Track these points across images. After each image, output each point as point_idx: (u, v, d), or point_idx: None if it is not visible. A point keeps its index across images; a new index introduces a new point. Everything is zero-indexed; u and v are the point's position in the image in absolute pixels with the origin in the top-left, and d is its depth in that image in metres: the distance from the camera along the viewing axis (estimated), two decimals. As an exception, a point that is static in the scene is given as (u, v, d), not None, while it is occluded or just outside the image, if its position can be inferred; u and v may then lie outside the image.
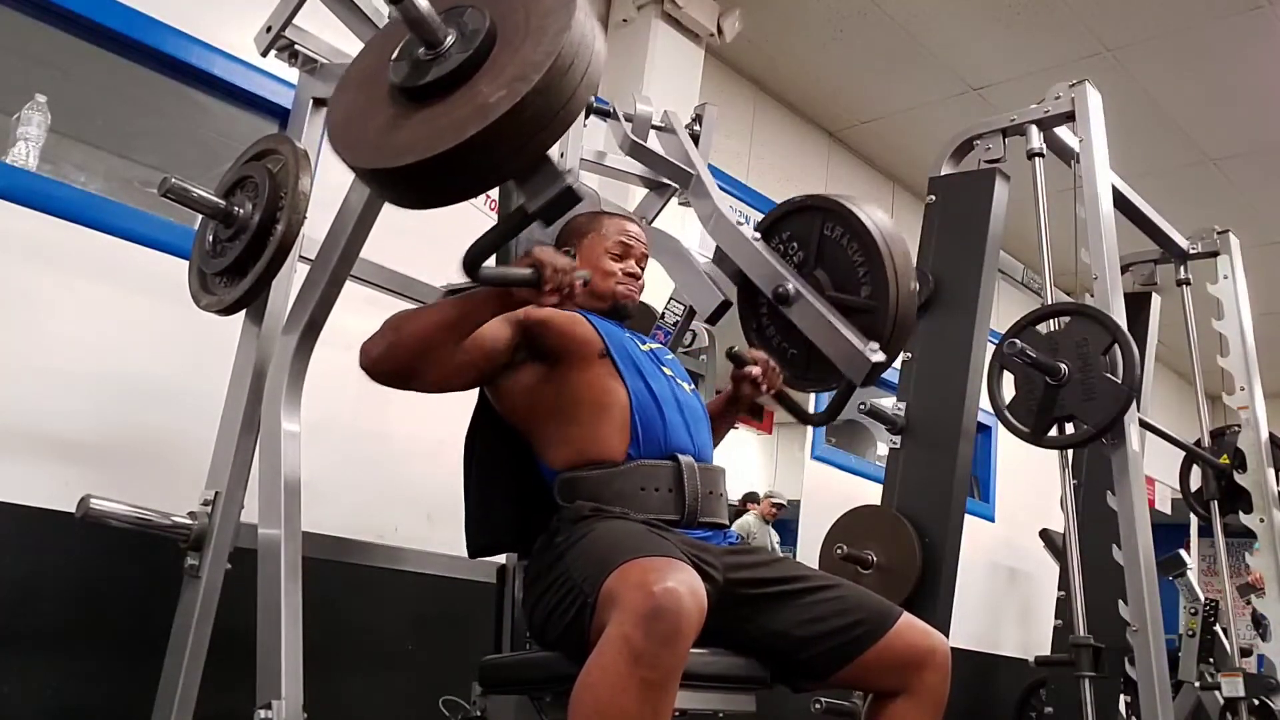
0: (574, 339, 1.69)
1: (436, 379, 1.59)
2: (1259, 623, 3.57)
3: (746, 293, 2.00)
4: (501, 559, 1.90)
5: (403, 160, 1.23)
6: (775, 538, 5.06)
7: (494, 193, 2.26)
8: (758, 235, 1.97)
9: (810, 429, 4.43)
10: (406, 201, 1.35)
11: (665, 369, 1.77)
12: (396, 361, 1.54)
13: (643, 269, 1.90)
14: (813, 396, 3.63)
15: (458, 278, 1.44)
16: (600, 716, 1.23)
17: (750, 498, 5.16)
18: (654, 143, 2.40)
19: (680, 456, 1.65)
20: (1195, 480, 3.33)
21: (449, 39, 1.27)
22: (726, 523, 1.70)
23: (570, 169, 1.32)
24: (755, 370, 1.84)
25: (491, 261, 1.44)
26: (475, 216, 3.07)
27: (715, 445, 1.85)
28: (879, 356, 1.71)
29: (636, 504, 1.58)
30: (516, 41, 1.24)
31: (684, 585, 1.27)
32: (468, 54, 1.24)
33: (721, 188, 4.17)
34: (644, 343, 1.81)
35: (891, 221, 1.90)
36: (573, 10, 1.22)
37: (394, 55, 1.33)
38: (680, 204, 2.63)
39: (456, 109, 1.22)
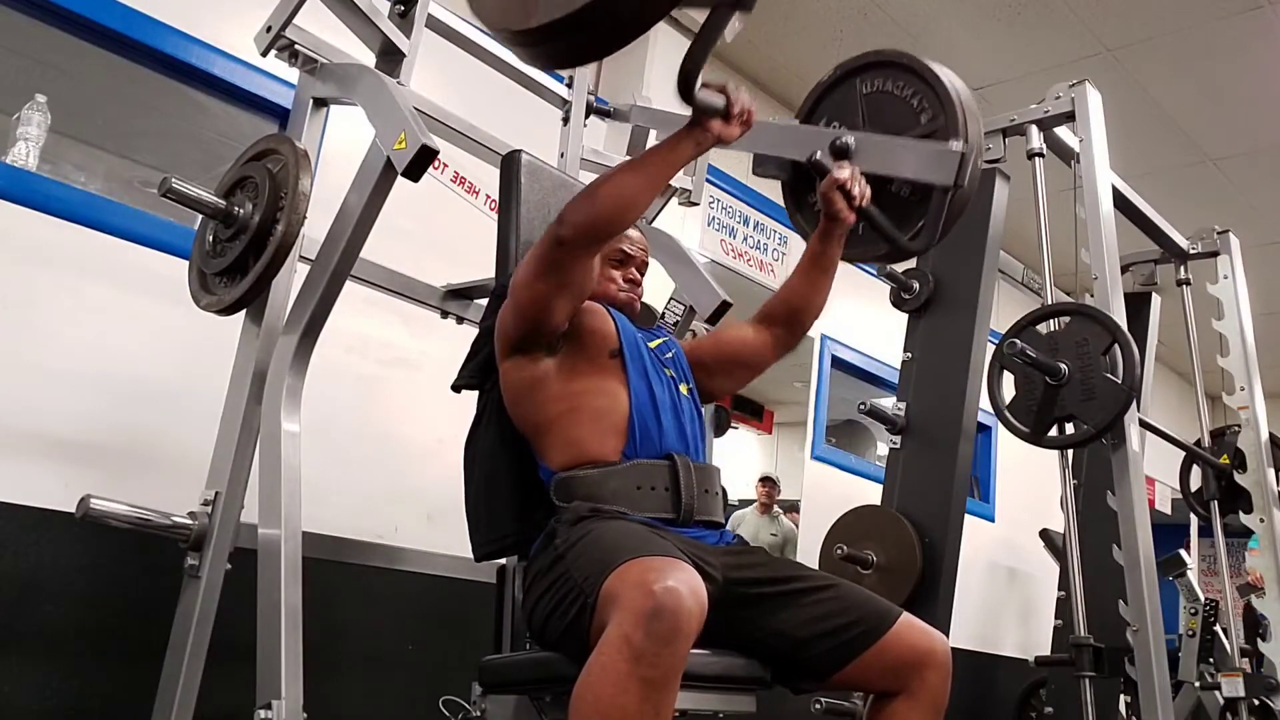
0: (597, 332, 1.71)
1: (583, 271, 1.63)
2: (1257, 624, 3.57)
3: (795, 185, 1.93)
4: (502, 559, 1.90)
5: (573, 6, 1.19)
6: (787, 530, 5.02)
7: (495, 193, 2.25)
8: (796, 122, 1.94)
9: (810, 429, 4.44)
10: (578, 53, 1.34)
11: (667, 369, 1.77)
12: (601, 215, 1.57)
13: (643, 275, 1.90)
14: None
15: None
16: (601, 716, 1.23)
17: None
18: (654, 142, 2.40)
19: (676, 455, 1.65)
20: (1195, 480, 3.33)
21: None
22: (723, 521, 1.70)
23: None
24: (843, 174, 1.68)
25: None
26: (475, 216, 3.07)
27: (820, 300, 1.86)
28: (960, 147, 1.62)
29: (633, 503, 1.58)
30: None
31: (684, 585, 1.27)
32: None
33: (722, 188, 4.20)
34: (650, 340, 1.81)
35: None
36: None
37: None
38: (681, 204, 2.63)
39: None
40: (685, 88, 1.44)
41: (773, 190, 4.56)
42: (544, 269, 1.60)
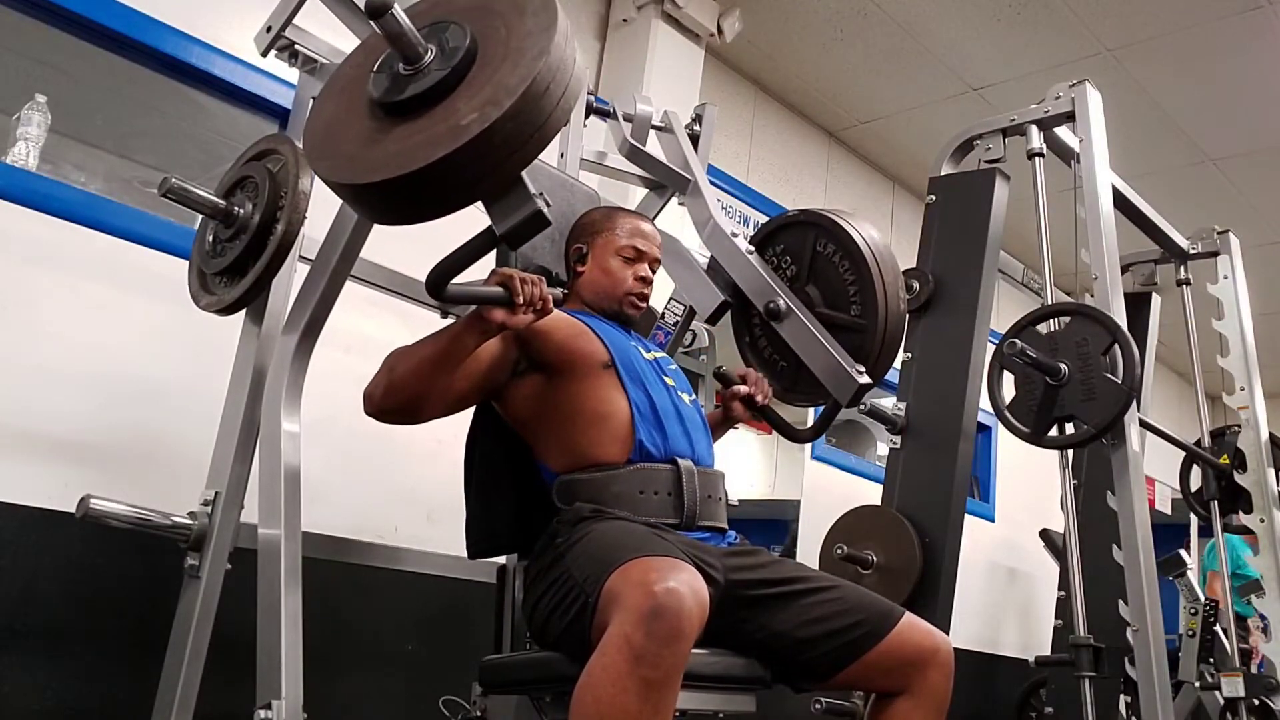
0: (576, 352, 1.68)
1: (442, 410, 1.61)
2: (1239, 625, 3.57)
3: (740, 303, 2.02)
4: (502, 559, 1.90)
5: (375, 176, 1.23)
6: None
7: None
8: (751, 248, 1.99)
9: (810, 429, 4.43)
10: (380, 217, 1.36)
11: (667, 379, 1.76)
12: (398, 401, 1.56)
13: (654, 273, 1.88)
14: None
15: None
16: (601, 716, 1.23)
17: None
18: (653, 144, 2.40)
19: (680, 460, 1.65)
20: (1195, 480, 3.33)
21: (429, 55, 1.27)
22: (726, 526, 1.70)
23: (540, 193, 1.31)
24: (744, 389, 1.91)
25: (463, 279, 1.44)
26: (475, 216, 3.07)
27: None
28: (864, 380, 1.76)
29: (636, 507, 1.58)
30: (495, 62, 1.23)
31: (685, 585, 1.27)
32: (445, 72, 1.24)
33: (721, 188, 4.19)
34: (648, 350, 1.81)
35: (884, 239, 1.93)
36: (552, 35, 1.22)
37: (375, 67, 1.32)
38: (681, 204, 2.63)
39: (431, 127, 1.22)
40: (434, 290, 1.41)
41: (773, 191, 4.57)
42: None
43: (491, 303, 1.49)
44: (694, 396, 1.81)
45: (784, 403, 2.07)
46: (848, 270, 1.88)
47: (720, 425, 1.97)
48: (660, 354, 1.84)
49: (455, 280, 1.42)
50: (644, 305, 1.87)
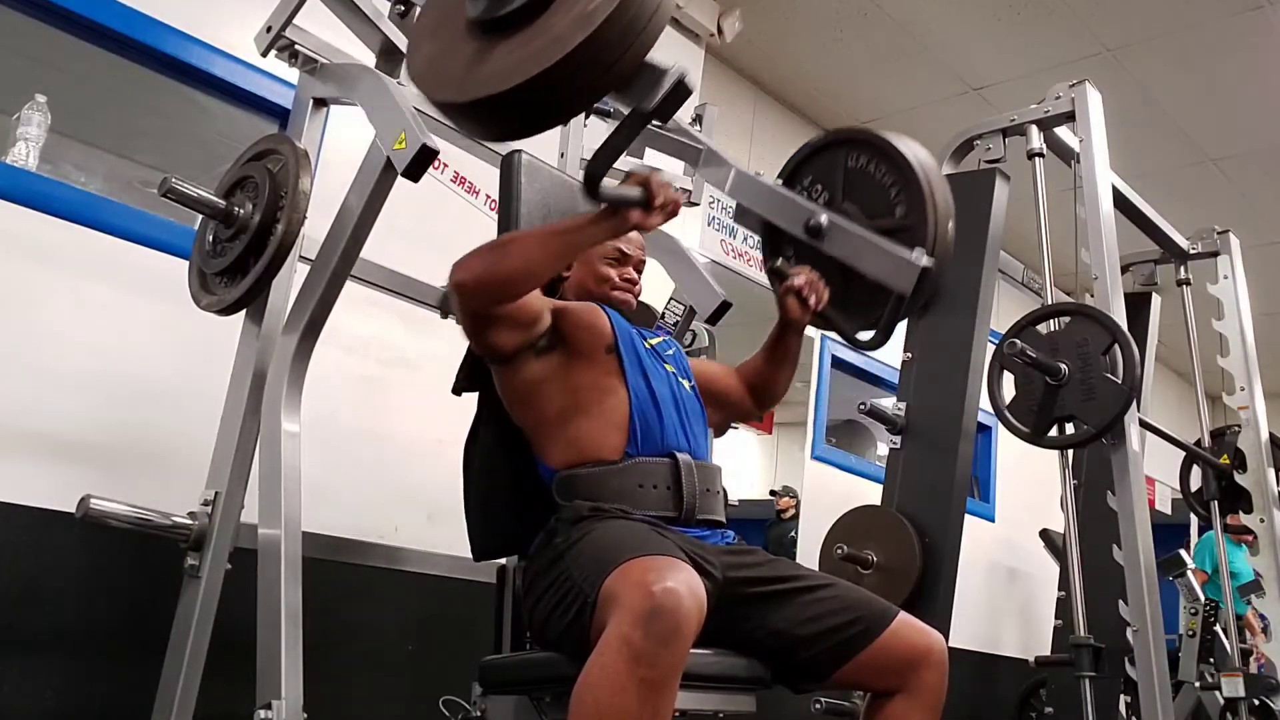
0: (589, 329, 1.70)
1: (509, 312, 1.59)
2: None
3: (772, 245, 1.96)
4: (502, 559, 1.90)
5: (510, 82, 1.22)
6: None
7: (494, 193, 2.25)
8: (779, 182, 1.93)
9: (810, 429, 4.43)
10: (509, 129, 1.34)
11: (667, 365, 1.77)
12: (497, 275, 1.54)
13: (640, 274, 1.89)
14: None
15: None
16: (600, 716, 1.23)
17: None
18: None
19: (678, 454, 1.65)
20: (1195, 480, 3.33)
21: None
22: (724, 520, 1.70)
23: (675, 64, 1.33)
24: (799, 280, 1.74)
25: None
26: (475, 216, 3.07)
27: (782, 383, 1.88)
28: (925, 260, 1.62)
29: (634, 501, 1.58)
30: None
31: (684, 584, 1.27)
32: None
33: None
34: (648, 338, 1.81)
35: (916, 142, 1.83)
36: None
37: None
38: (682, 204, 2.63)
39: (553, 25, 1.21)
40: (591, 185, 1.43)
41: (773, 190, 4.52)
42: (460, 314, 1.59)
43: (635, 205, 1.51)
44: (693, 383, 1.81)
45: (845, 335, 1.87)
46: (885, 174, 1.77)
47: (778, 340, 1.86)
48: (660, 339, 1.84)
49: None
50: (631, 305, 1.87)
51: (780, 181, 1.88)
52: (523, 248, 1.56)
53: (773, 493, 5.43)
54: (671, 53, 4.11)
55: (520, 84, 1.21)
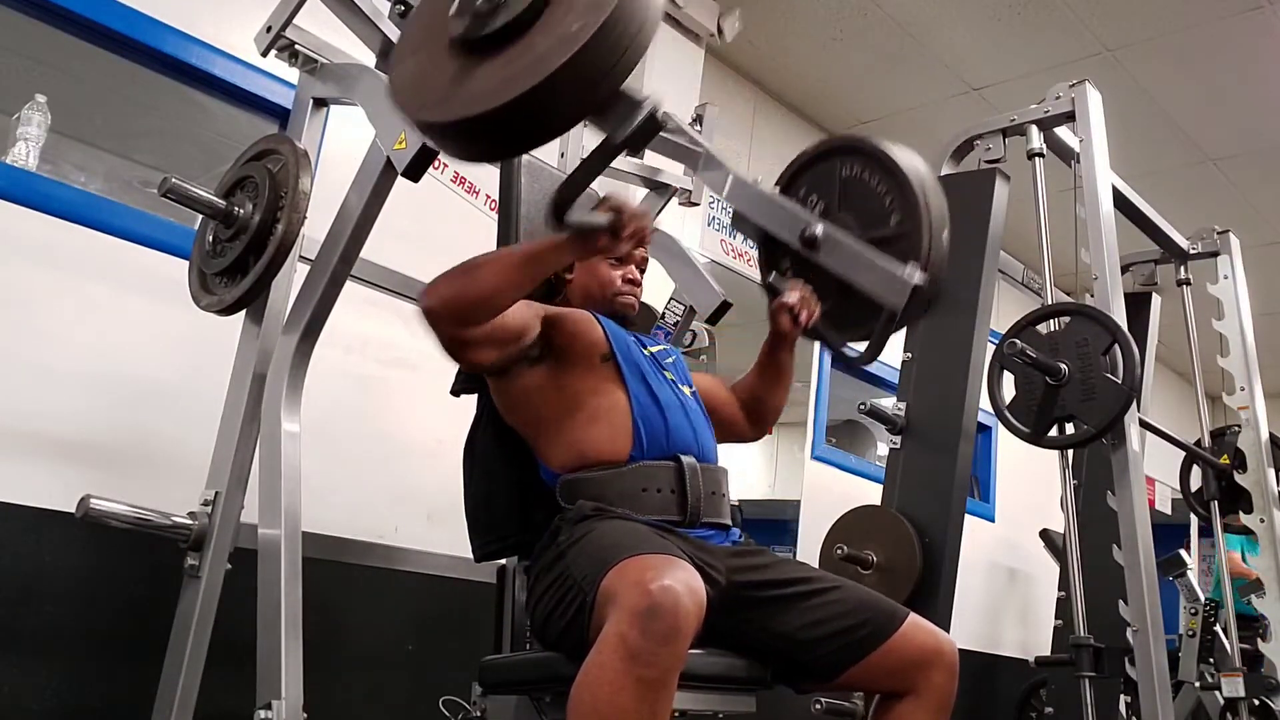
0: (582, 339, 1.69)
1: (486, 327, 1.57)
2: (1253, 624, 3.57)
3: (768, 253, 1.96)
4: (502, 559, 1.90)
5: (487, 105, 1.21)
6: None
7: (495, 193, 2.26)
8: (776, 190, 1.93)
9: (810, 429, 4.43)
10: (487, 151, 1.34)
11: (667, 373, 1.76)
12: (465, 300, 1.53)
13: (642, 272, 1.89)
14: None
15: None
16: (597, 716, 1.23)
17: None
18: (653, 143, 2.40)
19: (683, 457, 1.65)
20: (1195, 480, 3.33)
21: None
22: (729, 523, 1.70)
23: (650, 95, 1.32)
24: (792, 297, 1.75)
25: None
26: (475, 216, 3.07)
27: (776, 400, 1.89)
28: (918, 277, 1.62)
29: (638, 504, 1.58)
30: None
31: (681, 583, 1.27)
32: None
33: (722, 188, 4.17)
34: (647, 345, 1.81)
35: (911, 150, 1.84)
36: None
37: (451, 11, 1.31)
38: (681, 204, 2.63)
39: (534, 46, 1.21)
40: (557, 213, 1.41)
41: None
42: (433, 333, 1.58)
43: (602, 232, 1.51)
44: (694, 389, 1.81)
45: (835, 349, 1.89)
46: (879, 183, 1.77)
47: (770, 355, 1.87)
48: (660, 347, 1.84)
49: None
50: (634, 306, 1.86)
51: (777, 189, 1.88)
52: (490, 272, 1.54)
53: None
54: (671, 53, 4.11)
55: (502, 105, 1.20)
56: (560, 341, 1.68)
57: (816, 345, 4.46)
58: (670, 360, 1.82)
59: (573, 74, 1.18)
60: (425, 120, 1.30)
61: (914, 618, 1.55)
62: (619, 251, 1.55)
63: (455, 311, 1.54)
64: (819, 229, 1.71)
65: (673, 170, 2.51)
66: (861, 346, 1.78)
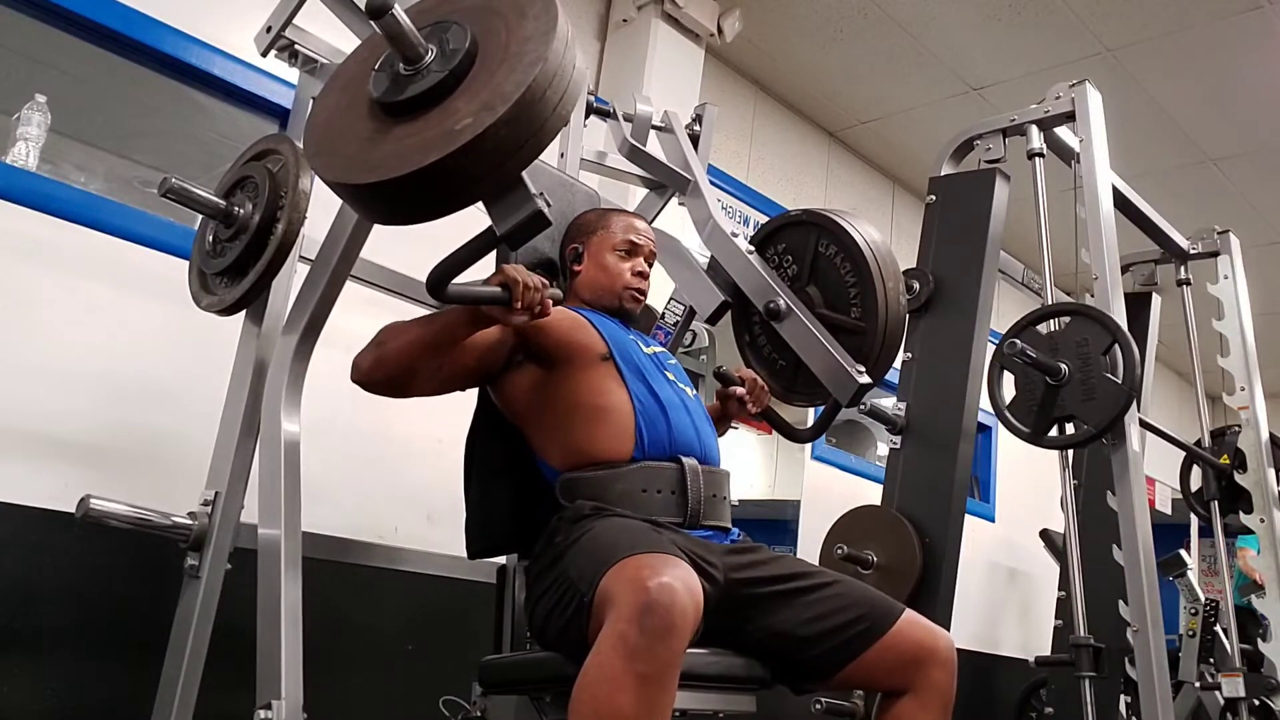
0: (573, 344, 1.69)
1: (430, 389, 1.62)
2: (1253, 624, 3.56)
3: (739, 302, 2.02)
4: (502, 559, 1.90)
5: (372, 177, 1.23)
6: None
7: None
8: (751, 248, 1.99)
9: (810, 429, 4.43)
10: (379, 218, 1.36)
11: (668, 373, 1.76)
12: (385, 375, 1.59)
13: (650, 266, 1.89)
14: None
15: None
16: (598, 714, 1.23)
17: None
18: (654, 144, 2.40)
19: (684, 459, 1.64)
20: (1195, 480, 3.33)
21: (429, 55, 1.27)
22: (729, 525, 1.69)
23: (540, 193, 1.32)
24: (741, 390, 1.91)
25: (465, 277, 1.44)
26: (475, 216, 3.07)
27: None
28: (865, 380, 1.75)
29: (638, 505, 1.58)
30: (494, 64, 1.23)
31: (679, 580, 1.27)
32: (444, 74, 1.24)
33: (721, 188, 4.19)
34: (647, 345, 1.81)
35: (885, 240, 1.94)
36: (550, 40, 1.21)
37: (376, 66, 1.32)
38: (681, 204, 2.63)
39: (427, 129, 1.22)
40: (436, 290, 1.41)
41: (773, 191, 4.57)
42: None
43: (491, 303, 1.50)
44: (695, 391, 1.81)
45: (784, 402, 2.07)
46: (849, 272, 1.88)
47: (719, 422, 1.98)
48: (659, 349, 1.84)
49: (456, 280, 1.42)
50: (643, 299, 1.87)
51: (753, 248, 1.97)
52: (397, 349, 1.57)
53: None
54: (672, 52, 4.11)
55: (382, 180, 1.21)
56: (546, 345, 1.68)
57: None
58: (671, 362, 1.82)
59: (451, 168, 1.19)
60: (322, 175, 1.31)
61: (910, 614, 1.55)
62: (514, 322, 1.53)
63: (379, 386, 1.61)
64: (782, 302, 1.83)
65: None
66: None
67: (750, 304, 1.97)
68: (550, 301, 1.53)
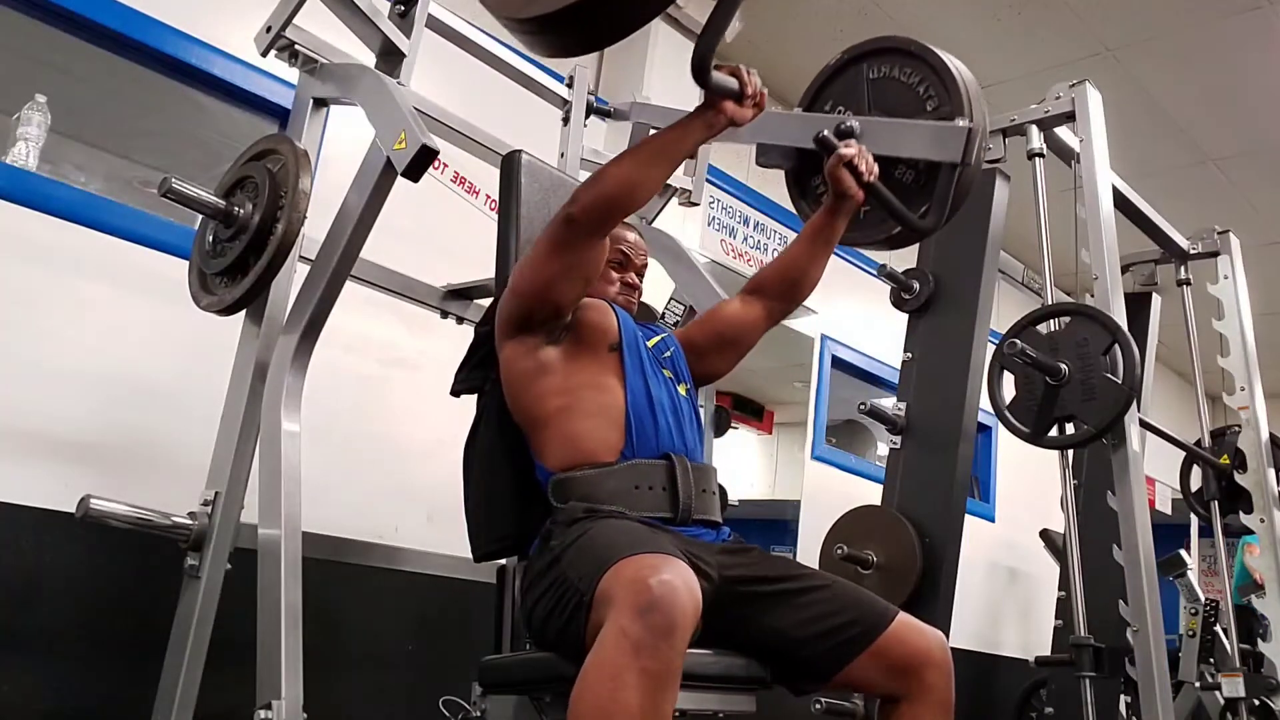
0: (597, 326, 1.71)
1: (591, 259, 1.66)
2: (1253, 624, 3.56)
3: (799, 173, 1.93)
4: (501, 559, 1.90)
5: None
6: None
7: (495, 193, 2.26)
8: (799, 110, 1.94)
9: (810, 429, 4.43)
10: (575, 42, 1.39)
11: (665, 370, 1.77)
12: (608, 194, 1.59)
13: (641, 278, 1.90)
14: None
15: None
16: (601, 713, 1.23)
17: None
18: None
19: (673, 455, 1.65)
20: (1195, 480, 3.33)
21: None
22: (719, 520, 1.70)
23: None
24: (849, 150, 1.68)
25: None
26: (475, 216, 3.07)
27: (818, 272, 1.85)
28: (966, 122, 1.65)
29: (630, 502, 1.58)
30: None
31: (679, 579, 1.27)
32: None
33: (722, 188, 4.19)
34: (648, 337, 1.81)
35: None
36: None
37: None
38: (681, 204, 2.63)
39: None
40: (700, 70, 1.45)
41: (773, 190, 4.56)
42: (554, 249, 1.62)
43: (732, 95, 1.55)
44: (690, 386, 1.81)
45: (899, 213, 1.76)
46: (911, 73, 1.77)
47: (830, 216, 1.77)
48: (659, 337, 1.84)
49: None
50: (634, 305, 1.87)
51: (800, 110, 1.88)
52: (630, 163, 1.61)
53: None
54: (671, 52, 4.11)
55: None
56: (579, 325, 1.71)
57: (816, 347, 4.47)
58: (668, 354, 1.82)
59: None
60: (511, 16, 1.32)
61: (904, 617, 1.54)
62: (744, 118, 1.58)
63: (600, 209, 1.60)
64: (854, 121, 1.72)
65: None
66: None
67: (805, 166, 1.88)
68: (765, 93, 1.59)
